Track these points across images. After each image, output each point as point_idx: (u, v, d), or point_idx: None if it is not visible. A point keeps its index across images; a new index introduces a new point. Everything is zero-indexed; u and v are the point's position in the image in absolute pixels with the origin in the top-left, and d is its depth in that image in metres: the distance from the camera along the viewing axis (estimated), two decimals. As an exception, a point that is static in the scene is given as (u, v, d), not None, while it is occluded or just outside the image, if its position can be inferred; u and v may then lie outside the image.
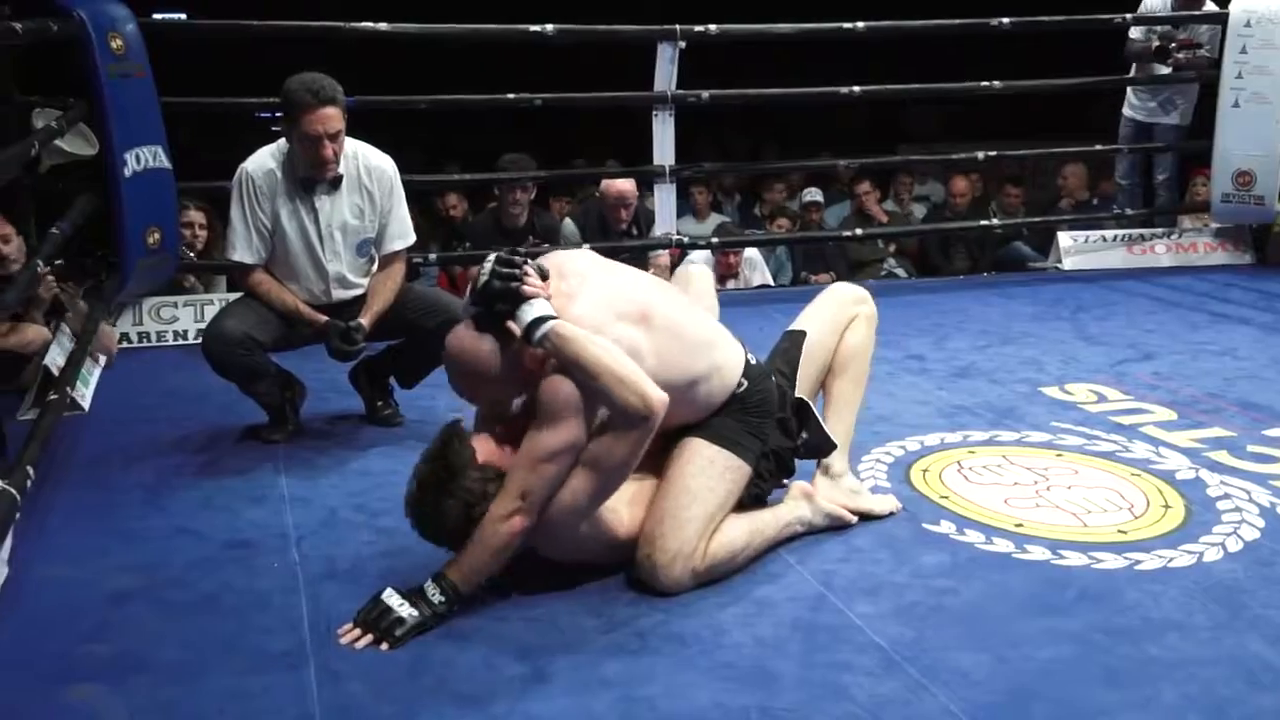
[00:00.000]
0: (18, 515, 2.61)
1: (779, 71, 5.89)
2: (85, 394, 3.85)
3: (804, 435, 2.72)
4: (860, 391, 2.86)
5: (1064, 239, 6.18)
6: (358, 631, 2.28)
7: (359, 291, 3.49)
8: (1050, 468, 3.16)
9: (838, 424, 2.80)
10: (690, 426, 2.55)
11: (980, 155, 6.24)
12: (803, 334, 2.81)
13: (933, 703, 2.03)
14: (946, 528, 2.77)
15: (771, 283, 6.20)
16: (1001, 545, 2.67)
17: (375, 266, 3.50)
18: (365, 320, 3.34)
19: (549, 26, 5.10)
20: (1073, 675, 2.12)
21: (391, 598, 2.29)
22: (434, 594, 2.30)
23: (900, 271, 6.78)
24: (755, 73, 5.89)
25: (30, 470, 2.75)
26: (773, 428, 2.63)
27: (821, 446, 2.76)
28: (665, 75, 5.32)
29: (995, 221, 6.50)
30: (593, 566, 2.51)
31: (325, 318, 3.36)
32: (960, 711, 2.00)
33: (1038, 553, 2.62)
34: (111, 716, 2.03)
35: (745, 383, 2.58)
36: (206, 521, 2.88)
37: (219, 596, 2.48)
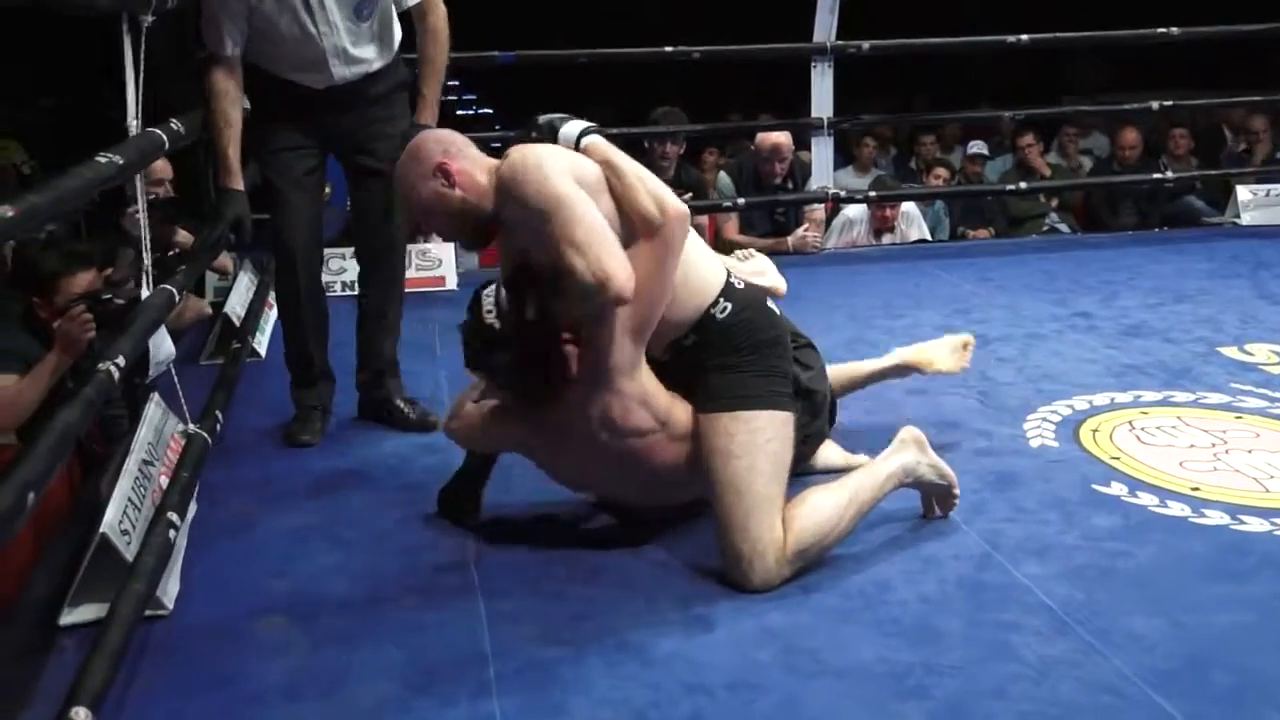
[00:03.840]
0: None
1: (926, 22, 5.70)
2: (262, 342, 4.03)
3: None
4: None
5: (1243, 192, 5.88)
6: None
7: (368, 66, 2.96)
8: (1229, 430, 3.03)
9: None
10: (695, 397, 2.36)
11: (1155, 105, 5.95)
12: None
13: (1105, 666, 1.98)
14: (1118, 489, 2.69)
15: (929, 237, 6.07)
16: (1177, 509, 2.58)
17: (391, 31, 2.99)
18: (426, 114, 2.94)
19: (707, -23, 5.06)
20: (1254, 643, 2.04)
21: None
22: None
23: (1062, 227, 6.55)
24: (903, 24, 5.72)
25: (219, 415, 2.90)
26: (787, 357, 2.43)
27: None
28: (825, 25, 5.23)
29: (1169, 175, 6.22)
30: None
31: (239, 187, 2.96)
32: (1135, 675, 1.94)
33: (1216, 517, 2.53)
34: (296, 647, 2.14)
35: (728, 305, 2.36)
36: (378, 464, 2.99)
37: (391, 535, 2.59)
